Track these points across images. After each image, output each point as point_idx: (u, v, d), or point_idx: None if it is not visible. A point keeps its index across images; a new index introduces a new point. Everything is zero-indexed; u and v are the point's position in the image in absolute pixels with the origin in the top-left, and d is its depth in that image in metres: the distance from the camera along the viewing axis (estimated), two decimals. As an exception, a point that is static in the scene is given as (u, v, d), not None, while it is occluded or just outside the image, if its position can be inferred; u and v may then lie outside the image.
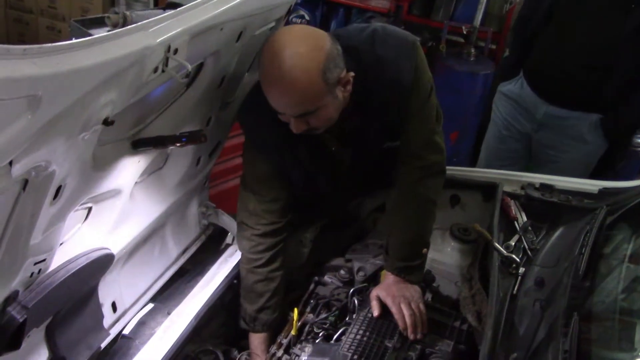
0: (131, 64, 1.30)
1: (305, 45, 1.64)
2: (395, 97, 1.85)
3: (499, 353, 1.63)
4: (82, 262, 1.65)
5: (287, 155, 1.97)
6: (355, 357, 1.75)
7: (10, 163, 1.11)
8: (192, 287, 2.16)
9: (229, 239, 2.48)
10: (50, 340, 1.74)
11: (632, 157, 3.95)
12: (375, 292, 1.96)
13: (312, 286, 2.23)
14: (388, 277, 2.01)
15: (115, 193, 1.78)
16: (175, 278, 2.32)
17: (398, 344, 1.82)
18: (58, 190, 1.37)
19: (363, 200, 2.55)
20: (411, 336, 1.84)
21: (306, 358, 1.80)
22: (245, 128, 2.08)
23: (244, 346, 2.14)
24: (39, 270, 1.51)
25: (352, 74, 1.74)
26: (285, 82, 1.64)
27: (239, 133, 2.17)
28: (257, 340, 2.05)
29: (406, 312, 1.86)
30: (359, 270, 2.20)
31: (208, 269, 2.25)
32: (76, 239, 1.73)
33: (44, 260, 1.50)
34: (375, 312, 1.91)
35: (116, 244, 1.89)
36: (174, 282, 2.28)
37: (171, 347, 1.82)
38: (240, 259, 2.17)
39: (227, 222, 2.43)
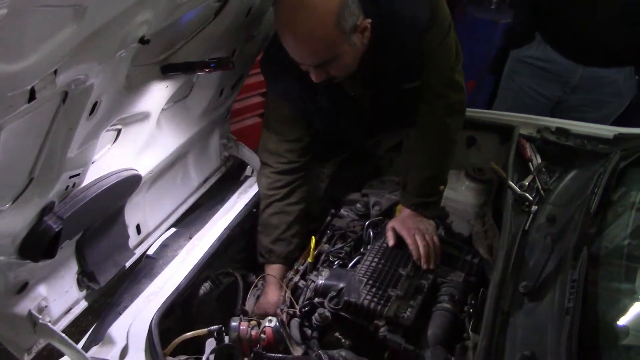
0: (167, -17, 1.33)
1: None
2: (413, 36, 1.85)
3: (509, 282, 1.69)
4: (113, 179, 1.71)
5: (309, 102, 2.01)
6: (370, 282, 1.83)
7: (55, 72, 1.16)
8: (213, 214, 2.22)
9: (248, 171, 2.55)
10: (80, 255, 1.82)
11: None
12: (391, 224, 2.03)
13: (328, 218, 2.30)
14: (404, 211, 2.07)
15: (143, 116, 1.84)
16: (196, 206, 2.40)
17: (412, 273, 1.89)
18: (94, 106, 1.43)
19: (380, 139, 2.59)
20: (424, 266, 1.91)
21: (322, 281, 1.87)
22: (267, 77, 2.13)
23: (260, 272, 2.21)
24: (74, 184, 1.58)
25: (369, 20, 1.75)
26: (300, 33, 1.67)
27: (258, 71, 2.21)
28: (272, 271, 2.11)
29: (420, 243, 1.93)
30: (374, 204, 2.27)
31: (228, 198, 2.31)
32: (106, 159, 1.79)
33: (79, 174, 1.56)
34: (391, 242, 1.98)
35: (142, 168, 1.94)
36: (195, 209, 2.36)
37: (193, 267, 1.89)
38: (259, 196, 2.23)
39: (247, 154, 2.48)
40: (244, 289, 2.05)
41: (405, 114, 2.17)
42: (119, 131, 1.82)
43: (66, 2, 1.03)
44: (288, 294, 1.98)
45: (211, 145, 2.44)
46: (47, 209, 1.51)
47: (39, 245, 1.50)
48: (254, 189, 2.31)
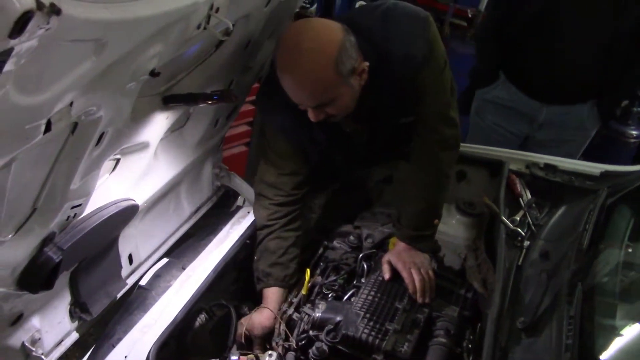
0: (179, 18, 1.35)
1: (318, 39, 1.69)
2: (409, 72, 1.87)
3: (506, 317, 1.71)
4: (112, 210, 1.70)
5: (305, 137, 2.03)
6: (368, 315, 1.83)
7: (71, 104, 1.16)
8: (206, 244, 2.21)
9: (239, 202, 2.55)
10: (74, 285, 1.80)
11: (622, 146, 4.11)
12: (386, 257, 2.04)
13: (321, 250, 2.30)
14: (399, 245, 2.09)
15: (143, 146, 1.83)
16: (188, 236, 2.38)
17: (408, 306, 1.90)
18: (100, 137, 1.42)
19: (370, 171, 2.61)
20: (420, 300, 1.92)
21: (319, 314, 1.86)
22: (264, 111, 2.14)
23: (252, 304, 2.19)
24: (75, 215, 1.56)
25: (367, 63, 1.79)
26: (299, 76, 1.71)
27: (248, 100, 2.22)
28: (270, 294, 2.08)
29: (416, 277, 1.94)
30: (367, 237, 2.28)
31: (221, 229, 2.29)
32: (104, 189, 1.78)
33: (80, 205, 1.55)
34: (387, 276, 1.99)
35: (139, 197, 1.93)
36: (187, 239, 2.34)
37: (189, 300, 1.87)
38: (256, 225, 2.22)
39: (239, 184, 2.49)
40: (236, 320, 2.02)
41: (400, 147, 2.20)
42: (118, 161, 1.82)
43: (90, 36, 1.04)
44: (283, 326, 1.96)
45: (204, 174, 2.44)
46: (48, 240, 1.49)
47: (38, 276, 1.48)
48: (247, 220, 2.30)
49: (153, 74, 1.39)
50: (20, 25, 0.80)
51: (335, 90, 1.74)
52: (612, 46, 2.68)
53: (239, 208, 2.47)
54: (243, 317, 2.01)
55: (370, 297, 1.91)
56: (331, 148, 2.09)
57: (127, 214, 1.82)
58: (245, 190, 2.45)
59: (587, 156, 3.09)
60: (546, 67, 2.81)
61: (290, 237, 2.15)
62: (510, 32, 2.86)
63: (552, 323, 1.62)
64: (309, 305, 2.03)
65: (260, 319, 2.00)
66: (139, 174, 1.91)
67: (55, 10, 0.84)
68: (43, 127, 1.11)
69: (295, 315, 2.03)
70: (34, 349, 1.62)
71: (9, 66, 0.87)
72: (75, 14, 0.92)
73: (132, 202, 1.81)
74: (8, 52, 0.84)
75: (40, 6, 0.81)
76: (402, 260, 2.00)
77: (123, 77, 1.31)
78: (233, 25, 1.56)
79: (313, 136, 2.01)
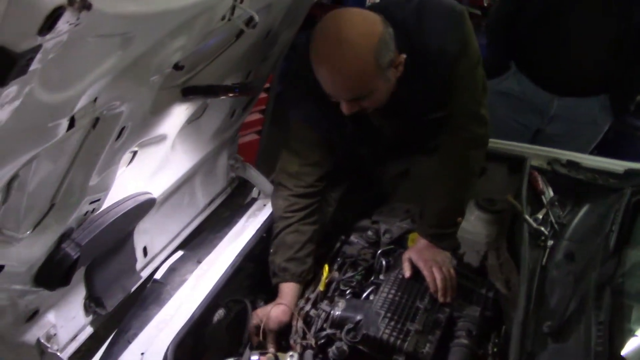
0: (205, 9, 1.30)
1: (358, 31, 1.65)
2: (442, 68, 1.84)
3: (531, 321, 1.67)
4: (130, 204, 1.67)
5: (333, 129, 1.99)
6: (389, 315, 1.80)
7: (95, 100, 1.11)
8: (221, 238, 2.16)
9: (254, 193, 2.49)
10: (89, 279, 1.77)
11: (638, 141, 4.04)
12: (407, 255, 2.00)
13: (338, 245, 2.27)
14: (420, 242, 2.05)
15: (160, 139, 1.80)
16: (203, 228, 2.34)
17: (429, 306, 1.86)
18: (121, 131, 1.38)
19: (386, 166, 2.57)
20: (441, 299, 1.88)
21: (339, 313, 1.83)
22: (290, 100, 2.08)
23: (267, 297, 2.16)
24: (93, 210, 1.52)
25: (404, 56, 1.75)
26: (338, 68, 1.67)
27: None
28: (286, 289, 2.04)
29: (438, 276, 1.90)
30: (385, 232, 2.24)
31: (236, 221, 2.25)
32: (120, 182, 1.73)
33: (99, 200, 1.52)
34: (407, 274, 1.95)
35: (155, 190, 1.90)
36: (202, 232, 2.30)
37: (207, 295, 1.83)
38: (273, 217, 2.17)
39: (255, 176, 2.44)
40: (250, 316, 1.97)
41: (426, 142, 2.15)
42: (135, 153, 1.78)
43: (117, 30, 0.99)
44: (300, 323, 1.92)
45: (219, 166, 2.40)
46: (66, 236, 1.46)
47: (56, 272, 1.45)
48: (263, 213, 2.26)
49: (177, 67, 1.35)
50: (50, 21, 0.76)
51: (373, 84, 1.72)
52: (623, 40, 2.64)
53: (253, 200, 2.42)
54: (259, 309, 1.97)
55: (390, 296, 1.87)
56: (358, 141, 2.06)
57: (144, 208, 1.79)
58: (261, 182, 2.40)
59: (601, 152, 3.03)
60: (557, 59, 2.77)
61: (307, 232, 2.10)
62: (521, 23, 2.83)
63: (580, 328, 1.58)
64: (326, 301, 1.99)
65: (276, 313, 1.95)
66: (156, 166, 1.88)
67: (86, 5, 0.80)
68: (67, 124, 1.07)
69: (312, 312, 1.98)
70: (49, 345, 1.58)
71: (36, 64, 0.82)
72: (104, 9, 0.87)
73: (149, 196, 1.78)
74: (36, 50, 0.80)
75: (71, 2, 0.77)
76: (423, 258, 1.96)
77: (147, 70, 1.27)
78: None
79: (340, 128, 1.97)
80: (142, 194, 1.75)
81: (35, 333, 1.58)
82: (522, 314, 1.65)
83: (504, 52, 2.99)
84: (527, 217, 2.06)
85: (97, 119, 1.24)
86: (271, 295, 2.12)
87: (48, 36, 0.78)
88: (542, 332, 1.62)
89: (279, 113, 2.66)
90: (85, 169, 1.35)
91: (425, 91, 1.89)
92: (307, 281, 2.09)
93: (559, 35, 2.72)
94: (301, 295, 2.07)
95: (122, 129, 1.38)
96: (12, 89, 0.84)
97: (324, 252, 2.25)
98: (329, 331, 1.83)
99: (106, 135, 1.32)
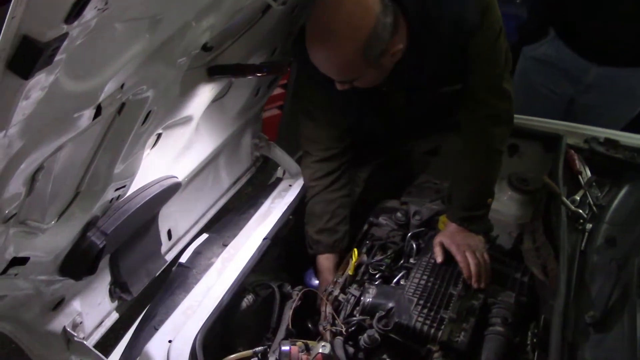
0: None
1: (348, 21, 1.58)
2: (458, 37, 1.74)
3: (571, 310, 1.61)
4: (155, 189, 1.63)
5: (338, 93, 1.88)
6: (421, 302, 1.74)
7: (122, 86, 1.05)
8: (247, 219, 2.12)
9: (279, 173, 2.45)
10: (114, 265, 1.74)
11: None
12: (438, 239, 1.94)
13: (366, 227, 2.22)
14: (450, 225, 1.98)
15: (186, 120, 1.74)
16: (227, 209, 2.30)
17: (463, 292, 1.80)
18: (147, 115, 1.33)
19: (414, 143, 2.51)
20: (475, 285, 1.82)
21: (370, 299, 1.78)
22: (299, 63, 2.04)
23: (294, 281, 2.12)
24: (118, 197, 1.48)
25: (400, 46, 1.69)
26: (325, 55, 1.67)
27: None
28: (323, 261, 2.06)
29: (471, 261, 1.84)
30: (415, 213, 2.18)
31: (262, 203, 2.21)
32: (144, 165, 1.68)
33: (124, 186, 1.48)
34: (439, 259, 1.89)
35: (179, 172, 1.86)
36: (226, 213, 2.26)
37: (235, 280, 1.79)
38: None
39: (279, 155, 2.39)
40: (280, 301, 1.94)
41: (443, 118, 2.07)
42: (159, 136, 1.72)
43: (146, 13, 0.93)
44: (329, 309, 1.88)
45: (243, 145, 2.35)
46: (91, 224, 1.42)
47: (82, 262, 1.42)
48: (290, 194, 2.21)
49: (205, 48, 1.28)
50: (78, 8, 0.70)
51: (361, 71, 1.69)
52: None
53: (279, 180, 2.37)
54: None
55: (422, 282, 1.82)
56: (365, 109, 2.01)
57: (169, 192, 1.75)
58: (286, 161, 2.35)
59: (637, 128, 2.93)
60: (598, 25, 2.65)
61: (335, 199, 2.09)
62: None
63: (624, 317, 1.51)
64: (355, 285, 1.94)
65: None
66: (181, 148, 1.83)
67: (115, -11, 0.73)
68: (93, 113, 1.01)
69: (341, 297, 1.94)
70: (75, 334, 1.56)
71: (61, 53, 0.76)
72: (134, -9, 0.81)
73: (175, 180, 1.74)
74: (62, 38, 0.74)
75: (100, -14, 0.70)
76: (455, 242, 1.90)
77: (175, 53, 1.21)
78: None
79: (345, 92, 1.87)
80: (167, 177, 1.71)
81: (61, 321, 1.55)
82: (563, 303, 1.59)
83: (543, 17, 2.90)
84: (564, 199, 1.98)
85: (122, 105, 1.19)
86: (297, 279, 2.11)
87: (75, 23, 0.73)
88: (584, 322, 1.56)
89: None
90: (110, 156, 1.31)
91: (438, 62, 1.81)
92: (342, 249, 2.10)
93: (602, 0, 2.61)
94: (342, 256, 2.09)
95: (148, 113, 1.33)
96: (36, 80, 0.78)
97: (353, 233, 2.20)
98: (359, 318, 1.79)
99: (132, 121, 1.27)
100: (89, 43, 0.84)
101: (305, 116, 2.09)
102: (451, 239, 1.92)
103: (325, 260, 2.06)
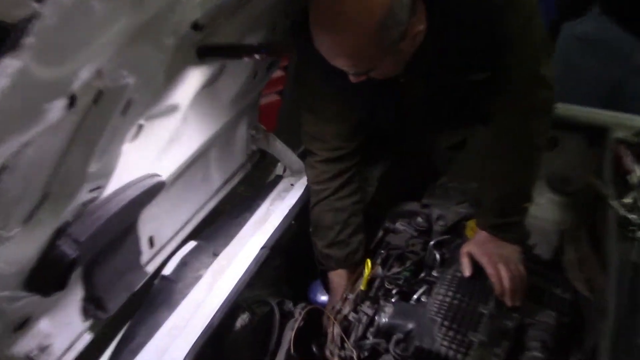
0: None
1: (360, 4, 1.55)
2: (485, 16, 1.73)
3: (622, 332, 1.61)
4: (136, 190, 1.63)
5: (346, 83, 1.85)
6: (446, 323, 1.75)
7: (99, 72, 1.05)
8: (241, 225, 2.14)
9: (279, 170, 2.46)
10: (87, 278, 1.72)
11: None
12: (466, 249, 1.94)
13: (381, 233, 2.23)
14: (480, 233, 1.98)
15: (171, 109, 1.74)
16: (218, 212, 2.32)
17: (494, 311, 1.80)
18: (127, 104, 1.32)
19: (437, 137, 2.51)
20: (509, 302, 1.82)
21: (386, 320, 1.78)
22: (298, 48, 2.00)
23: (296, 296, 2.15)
24: (92, 199, 1.48)
25: (421, 27, 1.68)
26: (334, 43, 1.63)
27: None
28: (335, 278, 2.09)
29: (504, 275, 1.84)
30: (438, 218, 2.20)
31: (259, 205, 2.23)
32: (123, 161, 1.67)
33: (99, 187, 1.48)
34: (467, 272, 1.89)
35: (163, 170, 1.85)
36: (217, 217, 2.27)
37: (228, 295, 1.80)
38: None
39: (279, 148, 2.40)
40: (280, 320, 1.96)
41: (470, 110, 2.07)
42: (140, 127, 1.71)
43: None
44: (337, 330, 1.89)
45: (237, 137, 2.35)
46: (61, 231, 1.41)
47: (51, 275, 1.41)
48: (291, 195, 2.24)
49: (196, 26, 1.28)
50: (50, -17, 0.69)
51: (377, 60, 1.67)
52: None
53: (279, 178, 2.39)
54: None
55: (447, 299, 1.83)
56: (379, 101, 1.98)
57: (151, 193, 1.74)
58: (286, 156, 2.36)
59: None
60: None
61: (346, 208, 2.10)
62: None
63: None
64: (368, 302, 1.96)
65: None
66: (165, 141, 1.82)
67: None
68: (66, 103, 1.01)
69: (352, 316, 1.96)
70: (42, 357, 1.55)
71: (31, 36, 0.75)
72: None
73: (158, 179, 1.74)
74: (31, 18, 0.73)
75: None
76: (486, 252, 1.90)
77: (161, 32, 1.21)
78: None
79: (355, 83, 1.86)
80: (149, 176, 1.71)
81: (26, 344, 1.54)
82: (613, 324, 1.59)
83: None
84: (613, 202, 1.97)
85: (99, 93, 1.18)
86: (300, 294, 2.14)
87: (46, 1, 0.72)
88: (638, 347, 1.55)
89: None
90: (84, 152, 1.30)
91: (462, 45, 1.78)
92: (357, 261, 2.11)
93: None
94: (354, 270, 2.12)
95: (129, 102, 1.32)
96: (1, 66, 0.78)
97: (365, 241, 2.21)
98: (373, 341, 1.80)
99: (110, 111, 1.26)
100: (63, 23, 0.83)
101: (307, 110, 2.08)
102: (481, 249, 1.91)
103: (337, 277, 2.09)
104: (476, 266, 1.91)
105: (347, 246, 2.08)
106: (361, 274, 2.04)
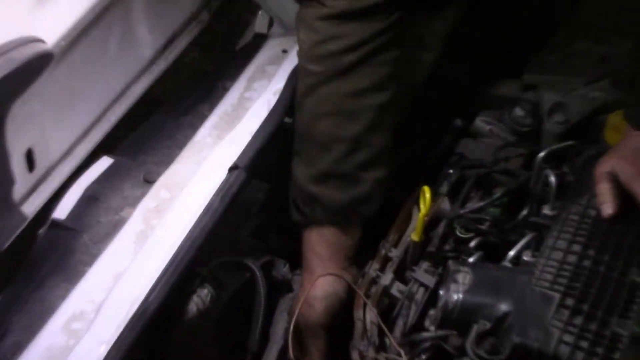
0: None
1: None
2: None
3: None
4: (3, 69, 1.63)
5: None
6: (570, 302, 1.72)
7: None
8: (195, 127, 2.16)
9: (261, 23, 2.46)
10: None
11: None
12: (607, 165, 1.92)
13: (447, 139, 2.25)
14: (631, 137, 1.96)
15: None
16: (152, 106, 2.35)
17: (661, 282, 1.80)
18: None
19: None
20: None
21: (461, 295, 1.77)
22: None
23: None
24: None
25: None
26: None
27: None
28: (314, 238, 2.08)
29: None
30: (553, 109, 2.19)
31: (224, 88, 2.24)
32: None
33: None
34: (609, 208, 1.87)
35: (47, 31, 1.87)
36: (151, 115, 2.29)
37: (174, 254, 1.79)
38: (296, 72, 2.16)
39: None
40: (266, 296, 1.98)
41: None
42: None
43: None
44: (372, 315, 1.90)
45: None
46: None
47: None
48: (284, 69, 2.25)
49: None
50: None
51: None
52: None
53: (260, 39, 2.40)
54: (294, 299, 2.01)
55: (572, 259, 1.81)
56: None
57: (29, 72, 1.78)
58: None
59: None
60: None
61: (363, 109, 2.08)
62: None
63: None
64: (425, 264, 1.99)
65: (315, 292, 2.01)
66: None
67: None
68: None
69: (397, 289, 1.98)
70: None
71: None
72: None
73: (40, 47, 1.77)
74: None
75: None
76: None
77: None
78: None
79: None
80: (24, 42, 1.72)
81: None
82: None
83: None
84: None
85: None
86: (300, 248, 2.15)
87: None
88: None
89: None
90: None
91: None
92: (365, 218, 2.13)
93: None
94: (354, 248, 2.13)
95: None
96: None
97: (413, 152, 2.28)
98: (435, 335, 1.83)
99: None
100: None
101: None
102: (635, 165, 1.89)
103: (326, 242, 2.08)
104: (625, 197, 1.89)
105: (353, 184, 2.06)
106: (405, 213, 2.07)
